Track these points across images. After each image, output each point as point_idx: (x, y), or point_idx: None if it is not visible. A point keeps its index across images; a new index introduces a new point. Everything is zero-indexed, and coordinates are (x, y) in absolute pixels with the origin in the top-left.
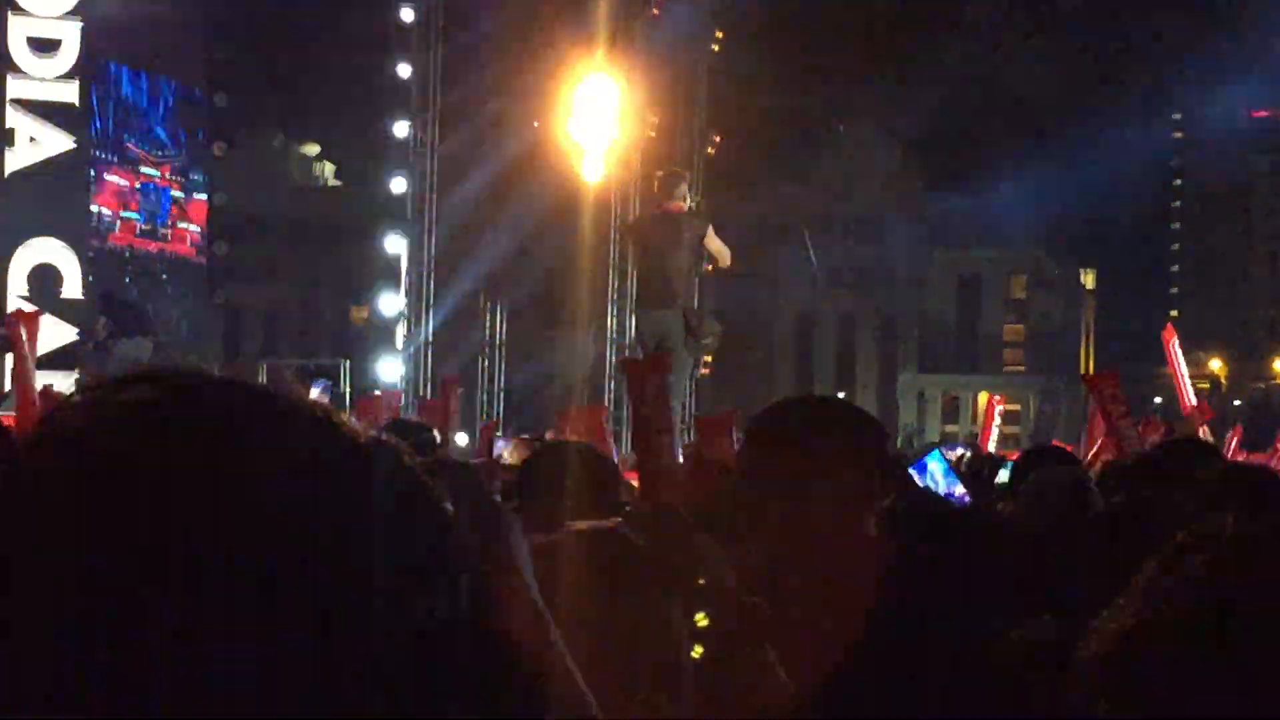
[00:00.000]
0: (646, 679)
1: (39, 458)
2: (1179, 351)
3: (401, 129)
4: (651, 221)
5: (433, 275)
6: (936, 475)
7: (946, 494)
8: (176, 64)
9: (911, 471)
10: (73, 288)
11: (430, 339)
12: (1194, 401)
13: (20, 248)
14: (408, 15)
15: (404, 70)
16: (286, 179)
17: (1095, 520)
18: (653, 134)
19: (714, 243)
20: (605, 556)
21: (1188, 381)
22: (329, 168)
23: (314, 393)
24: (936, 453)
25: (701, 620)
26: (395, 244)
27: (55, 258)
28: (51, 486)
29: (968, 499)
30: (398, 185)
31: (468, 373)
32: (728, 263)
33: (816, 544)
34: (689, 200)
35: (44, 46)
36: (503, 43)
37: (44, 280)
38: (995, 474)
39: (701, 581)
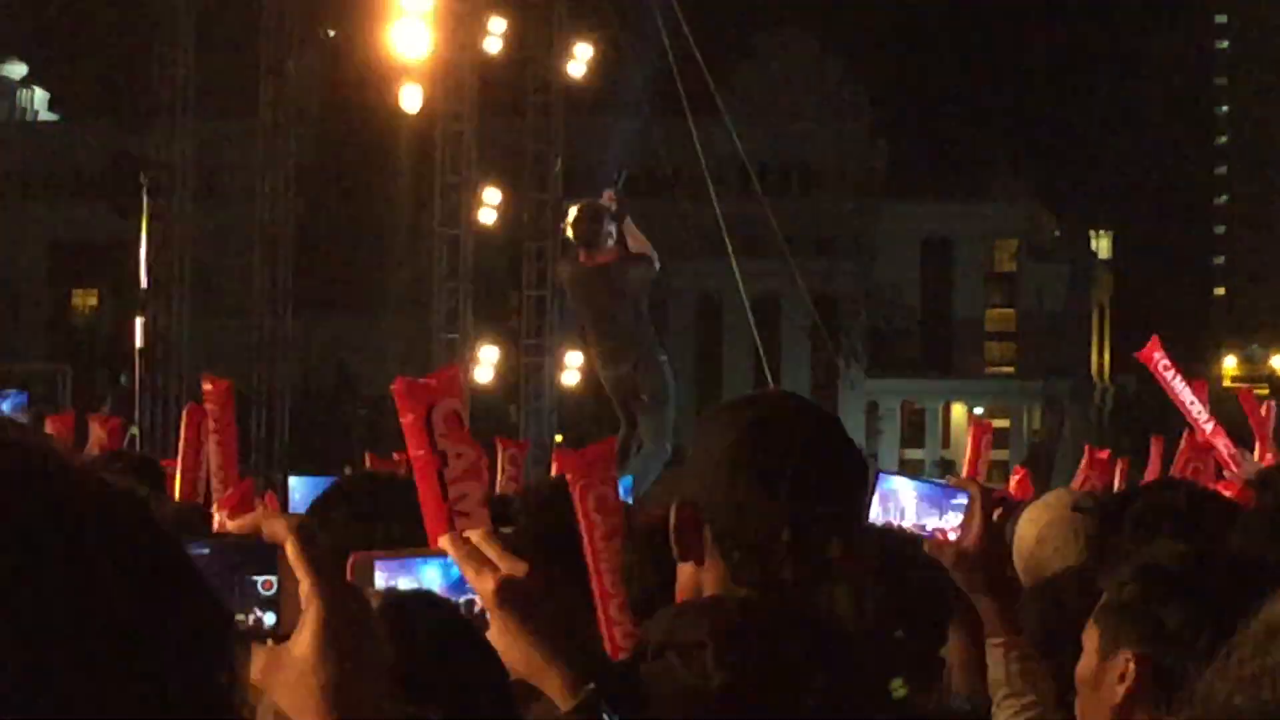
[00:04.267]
0: None
1: None
2: (1169, 371)
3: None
4: (586, 278)
5: (187, 254)
6: (904, 499)
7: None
8: None
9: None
10: None
11: (184, 336)
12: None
13: None
14: None
15: None
16: None
17: None
18: (495, 48)
19: (637, 237)
20: None
21: (1197, 407)
22: (40, 96)
23: (4, 410)
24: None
25: None
26: (132, 212)
27: None
28: None
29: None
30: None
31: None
32: (653, 262)
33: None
34: (613, 237)
35: None
36: None
37: None
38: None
39: None
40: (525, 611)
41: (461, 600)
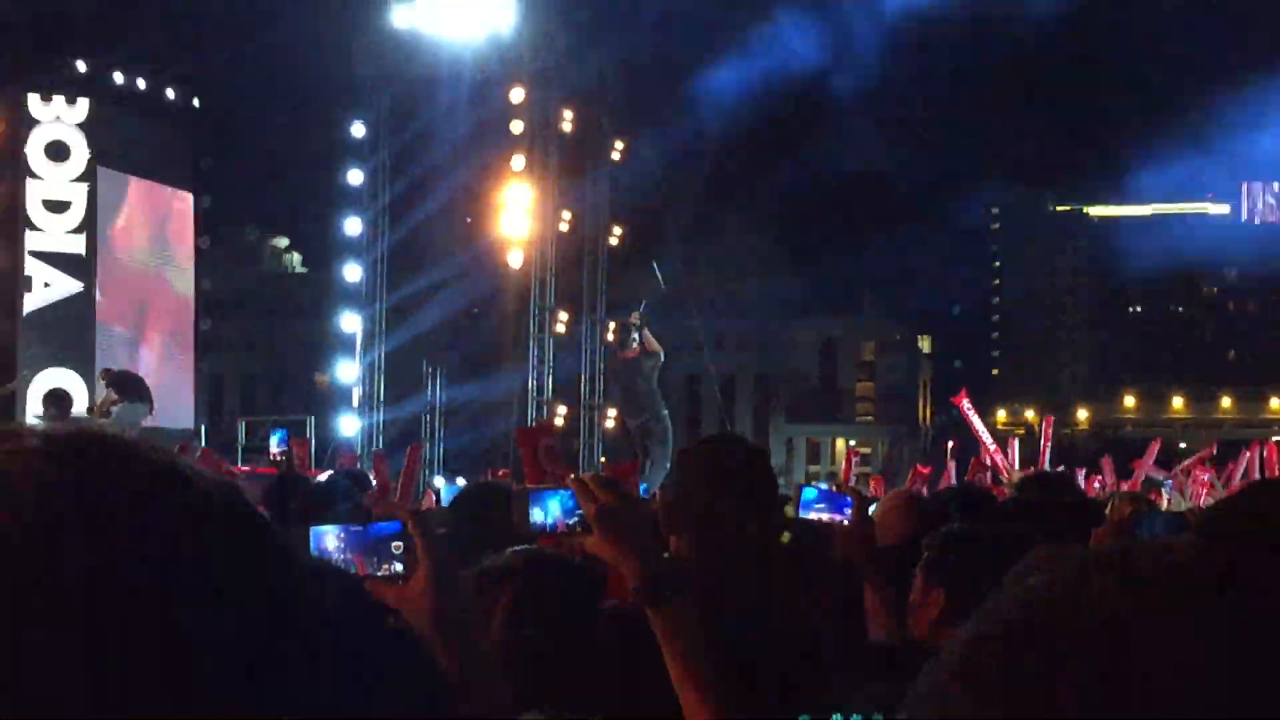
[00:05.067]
0: None
1: None
2: (971, 410)
3: (355, 225)
4: (620, 366)
5: (382, 348)
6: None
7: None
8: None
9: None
10: (80, 407)
11: (381, 400)
12: (992, 448)
13: (37, 376)
14: (358, 130)
15: (356, 176)
16: (260, 266)
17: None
18: (564, 228)
19: (650, 342)
20: None
21: (985, 434)
22: (296, 257)
23: (273, 441)
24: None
25: None
26: (351, 321)
27: (66, 382)
28: None
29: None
30: (352, 273)
31: (411, 428)
32: (660, 356)
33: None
34: (638, 340)
35: (57, 207)
36: (440, 152)
37: (57, 402)
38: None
39: None
40: (611, 524)
41: (573, 521)
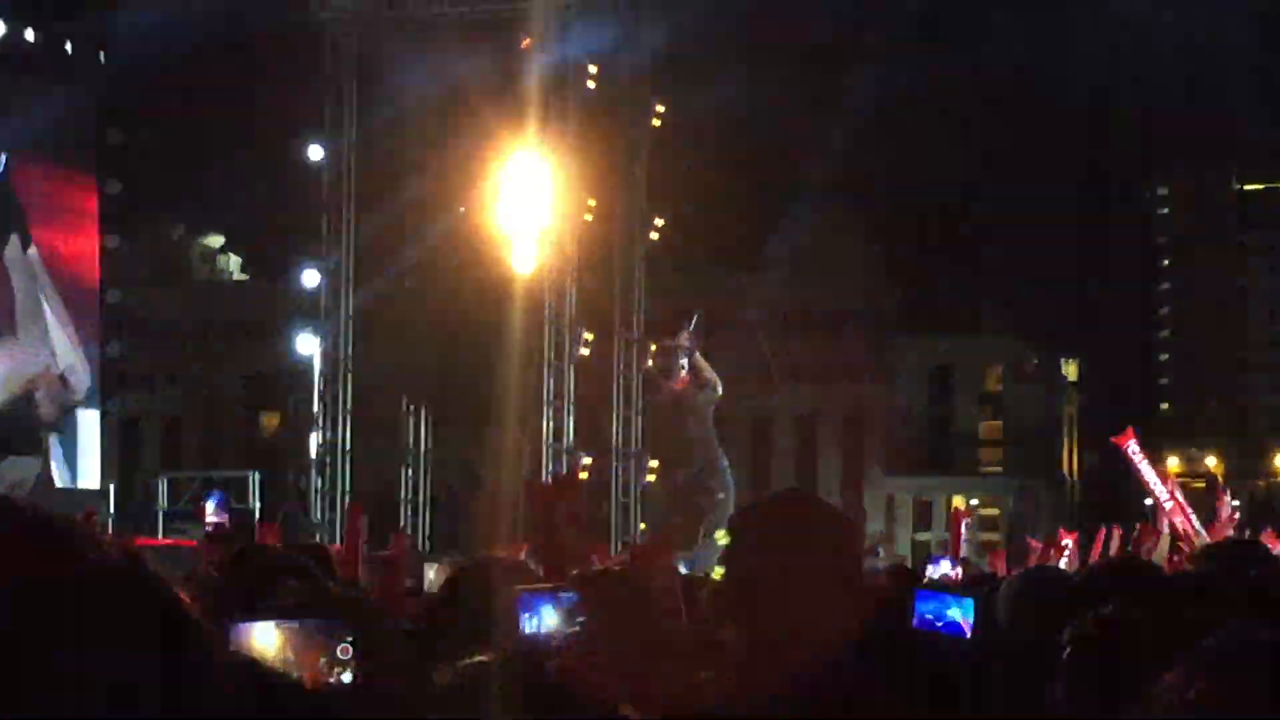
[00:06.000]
0: None
1: None
2: (1137, 455)
3: (312, 218)
4: (663, 402)
5: (349, 379)
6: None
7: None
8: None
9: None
10: None
11: (348, 448)
12: (1168, 507)
13: None
14: (318, 94)
15: (315, 151)
16: (188, 273)
17: None
18: (589, 218)
19: (704, 371)
20: None
21: (1159, 487)
22: (234, 260)
23: (209, 507)
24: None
25: None
26: (307, 344)
27: None
28: None
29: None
30: (308, 279)
31: (389, 483)
32: (717, 388)
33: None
34: (687, 367)
35: None
36: (423, 119)
37: None
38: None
39: None
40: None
41: (574, 630)
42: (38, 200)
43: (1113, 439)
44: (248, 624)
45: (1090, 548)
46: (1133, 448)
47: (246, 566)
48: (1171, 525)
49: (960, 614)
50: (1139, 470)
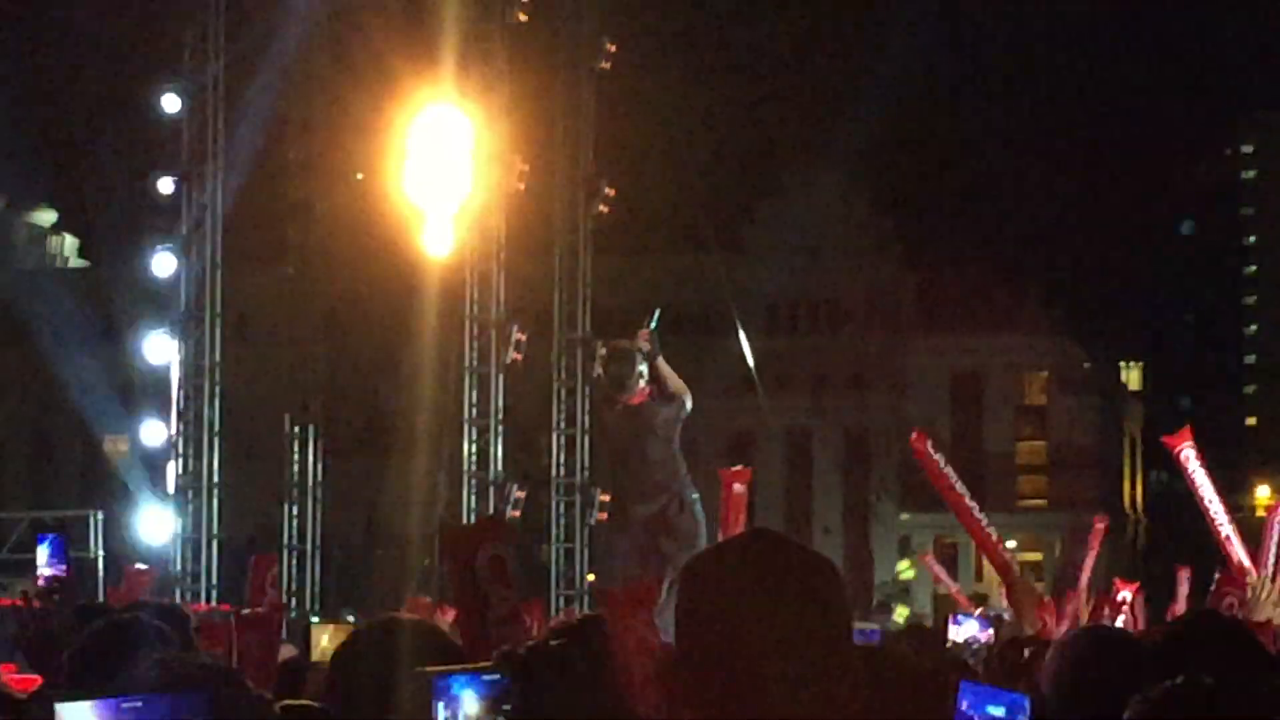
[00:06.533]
0: None
1: None
2: (1190, 463)
3: (167, 185)
4: (617, 418)
5: (218, 393)
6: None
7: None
8: None
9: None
10: None
11: (215, 481)
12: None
13: None
14: (175, 32)
15: (171, 102)
16: (10, 257)
17: None
18: (521, 187)
19: (669, 380)
20: None
21: (1215, 505)
22: (69, 242)
23: (40, 554)
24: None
25: None
26: (161, 348)
27: None
28: None
29: None
30: (163, 265)
31: (267, 525)
32: (685, 402)
33: None
34: (645, 379)
35: None
36: (309, 61)
37: None
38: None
39: None
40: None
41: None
42: None
43: (1164, 438)
44: (76, 704)
45: (1165, 601)
46: (1187, 452)
47: (101, 633)
48: (1226, 556)
49: (1003, 714)
50: (1194, 484)
